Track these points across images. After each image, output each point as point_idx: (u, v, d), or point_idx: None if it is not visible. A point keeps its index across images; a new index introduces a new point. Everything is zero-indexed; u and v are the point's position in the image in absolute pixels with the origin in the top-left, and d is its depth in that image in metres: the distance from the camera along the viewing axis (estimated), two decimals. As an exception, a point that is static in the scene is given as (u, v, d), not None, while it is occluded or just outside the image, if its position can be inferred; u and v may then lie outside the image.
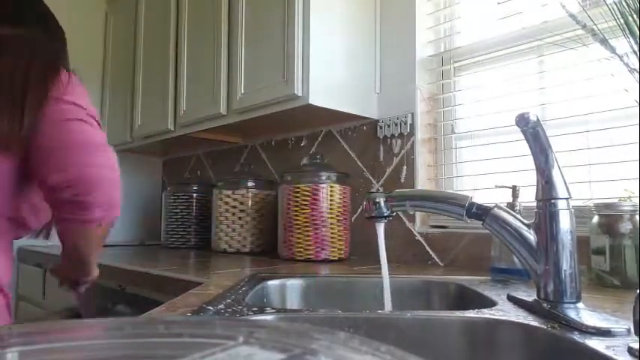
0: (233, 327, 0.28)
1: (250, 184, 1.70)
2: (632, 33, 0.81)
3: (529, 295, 0.74)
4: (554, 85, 1.24)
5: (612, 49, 0.87)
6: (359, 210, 1.59)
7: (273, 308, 0.72)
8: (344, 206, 1.46)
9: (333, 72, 1.46)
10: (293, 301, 1.01)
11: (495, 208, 0.71)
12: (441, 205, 0.76)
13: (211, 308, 0.67)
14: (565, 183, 0.67)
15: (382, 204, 0.79)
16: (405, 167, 1.48)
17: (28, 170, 0.86)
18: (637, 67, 0.81)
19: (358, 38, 1.55)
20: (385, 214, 0.80)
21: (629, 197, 1.01)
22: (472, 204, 0.72)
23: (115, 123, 2.27)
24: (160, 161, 2.61)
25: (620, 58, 0.85)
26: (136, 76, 2.13)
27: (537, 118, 0.66)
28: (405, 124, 1.48)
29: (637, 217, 0.93)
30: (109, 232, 0.94)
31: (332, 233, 1.42)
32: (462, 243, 1.31)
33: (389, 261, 1.27)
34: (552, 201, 0.67)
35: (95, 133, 0.89)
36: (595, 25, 0.89)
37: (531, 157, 0.69)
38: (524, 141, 0.69)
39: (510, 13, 1.34)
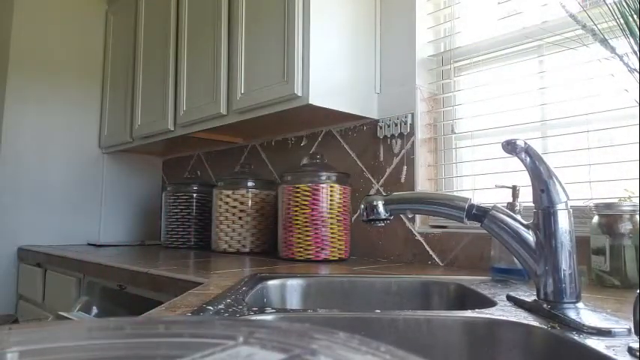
0: (233, 327, 0.28)
1: (250, 184, 1.70)
2: (632, 33, 0.81)
3: (529, 296, 0.74)
4: (554, 85, 1.24)
5: (612, 49, 0.87)
6: (359, 210, 1.59)
7: (273, 308, 0.72)
8: (344, 206, 1.46)
9: (333, 72, 1.46)
10: (293, 301, 1.01)
11: (493, 210, 0.71)
12: (441, 208, 0.75)
13: (211, 308, 0.67)
14: (562, 186, 0.67)
15: (380, 207, 0.78)
16: (405, 167, 1.48)
17: None
18: (637, 67, 0.81)
19: (358, 38, 1.55)
20: (383, 218, 0.78)
21: (629, 197, 1.01)
22: (472, 206, 0.72)
23: (115, 123, 2.27)
24: (160, 161, 2.61)
25: (620, 58, 0.85)
26: (136, 76, 2.14)
27: (524, 143, 0.67)
28: (405, 124, 1.48)
29: (637, 217, 0.93)
30: None
31: (332, 233, 1.42)
32: (462, 243, 1.31)
33: (389, 261, 1.27)
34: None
35: None
36: (595, 25, 0.89)
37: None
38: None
39: (510, 13, 1.34)
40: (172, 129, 1.90)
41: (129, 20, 2.22)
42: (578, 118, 1.18)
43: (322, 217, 1.41)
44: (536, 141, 1.27)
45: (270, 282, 0.99)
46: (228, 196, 1.69)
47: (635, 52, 0.81)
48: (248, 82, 1.57)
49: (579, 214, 1.06)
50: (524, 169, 0.69)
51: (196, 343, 0.25)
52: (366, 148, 1.60)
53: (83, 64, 2.33)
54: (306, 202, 1.42)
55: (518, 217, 0.72)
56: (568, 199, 0.67)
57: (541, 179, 0.68)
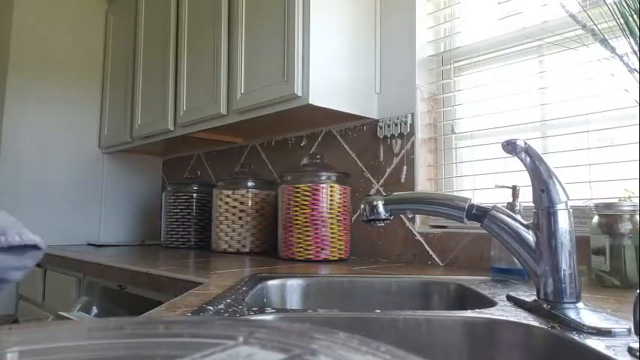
0: (233, 327, 0.28)
1: (250, 184, 1.70)
2: (632, 33, 0.81)
3: (529, 296, 0.74)
4: (554, 85, 1.24)
5: (612, 49, 0.87)
6: (359, 210, 1.59)
7: (273, 308, 0.72)
8: (344, 206, 1.46)
9: (333, 72, 1.46)
10: (293, 301, 1.01)
11: (493, 210, 0.71)
12: (441, 208, 0.75)
13: (211, 308, 0.67)
14: (562, 186, 0.67)
15: (380, 207, 0.78)
16: (405, 167, 1.48)
17: None
18: (637, 67, 0.81)
19: (358, 38, 1.55)
20: (383, 218, 0.78)
21: (629, 197, 1.01)
22: (472, 206, 0.72)
23: (115, 123, 2.27)
24: (160, 161, 2.61)
25: (620, 58, 0.85)
26: (136, 76, 2.13)
27: (524, 143, 0.67)
28: (405, 124, 1.48)
29: (637, 217, 0.93)
30: None
31: (332, 233, 1.42)
32: (462, 243, 1.31)
33: (389, 261, 1.27)
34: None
35: None
36: (595, 25, 0.89)
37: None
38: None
39: (510, 13, 1.34)
40: (172, 129, 1.90)
41: (129, 20, 2.22)
42: (578, 118, 1.18)
43: (322, 217, 1.41)
44: (536, 141, 1.27)
45: (270, 282, 0.98)
46: (228, 196, 1.69)
47: (635, 52, 0.81)
48: (248, 82, 1.57)
49: (579, 214, 1.06)
50: (524, 169, 0.69)
51: (196, 343, 0.25)
52: (366, 148, 1.60)
53: (83, 64, 2.33)
54: (306, 202, 1.42)
55: (518, 217, 0.72)
56: (568, 199, 0.67)
57: (541, 179, 0.68)
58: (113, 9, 2.37)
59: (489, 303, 0.76)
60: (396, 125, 1.50)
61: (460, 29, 1.49)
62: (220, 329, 0.27)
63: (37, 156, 2.16)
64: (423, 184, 1.46)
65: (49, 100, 2.21)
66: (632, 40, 0.81)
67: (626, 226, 0.93)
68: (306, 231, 1.41)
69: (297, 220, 1.42)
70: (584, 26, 0.90)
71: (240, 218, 1.67)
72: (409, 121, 1.47)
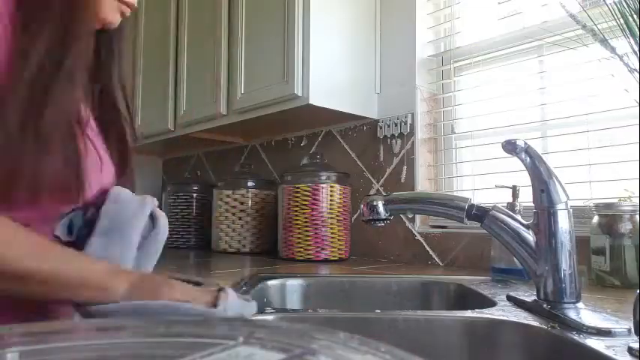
0: (233, 327, 0.28)
1: (250, 184, 1.70)
2: (632, 33, 0.81)
3: (529, 296, 0.74)
4: (555, 85, 1.24)
5: (612, 49, 0.87)
6: (359, 210, 1.58)
7: (273, 308, 0.72)
8: (344, 206, 1.46)
9: (333, 72, 1.46)
10: (293, 301, 1.01)
11: (493, 210, 0.71)
12: (441, 208, 0.76)
13: (211, 308, 0.67)
14: (562, 186, 0.67)
15: (380, 207, 0.78)
16: (405, 167, 1.48)
17: None
18: (637, 67, 0.81)
19: (358, 38, 1.55)
20: (383, 218, 0.79)
21: (629, 197, 1.01)
22: (472, 206, 0.72)
23: (115, 123, 2.26)
24: (160, 161, 2.61)
25: (620, 58, 0.85)
26: (135, 76, 2.13)
27: (524, 143, 0.67)
28: (405, 124, 1.48)
29: (637, 217, 0.93)
30: None
31: (332, 233, 1.42)
32: (462, 243, 1.31)
33: (389, 261, 1.27)
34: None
35: None
36: (595, 25, 0.89)
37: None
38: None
39: (510, 13, 1.34)
40: (172, 129, 1.90)
41: (129, 21, 2.22)
42: (578, 118, 1.18)
43: (322, 217, 1.41)
44: (536, 141, 1.27)
45: (270, 282, 0.98)
46: (228, 196, 1.69)
47: (635, 52, 0.81)
48: (248, 82, 1.57)
49: (579, 214, 1.05)
50: (524, 169, 0.69)
51: (196, 343, 0.25)
52: (366, 148, 1.60)
53: (83, 64, 2.32)
54: (306, 202, 1.42)
55: (518, 217, 0.72)
56: (568, 199, 0.67)
57: (541, 179, 0.68)
58: (113, 9, 2.36)
59: (489, 303, 0.76)
60: (396, 125, 1.50)
61: (460, 29, 1.48)
62: (220, 329, 0.27)
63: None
64: (423, 184, 1.46)
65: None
66: (632, 40, 0.81)
67: (626, 226, 0.93)
68: (306, 231, 1.41)
69: (297, 220, 1.42)
70: (584, 26, 0.90)
71: (240, 218, 1.67)
72: (409, 121, 1.47)
